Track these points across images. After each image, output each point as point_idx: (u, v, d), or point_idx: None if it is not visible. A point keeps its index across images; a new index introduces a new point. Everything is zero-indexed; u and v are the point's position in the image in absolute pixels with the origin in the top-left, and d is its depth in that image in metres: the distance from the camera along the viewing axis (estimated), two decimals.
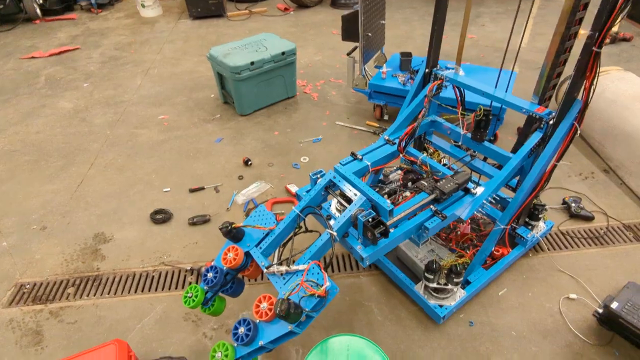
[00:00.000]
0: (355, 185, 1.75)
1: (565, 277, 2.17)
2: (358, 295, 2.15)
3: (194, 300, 1.71)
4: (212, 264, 1.83)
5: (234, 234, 1.79)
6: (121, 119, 3.80)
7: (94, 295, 2.23)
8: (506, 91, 2.07)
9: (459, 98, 2.25)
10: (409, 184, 2.61)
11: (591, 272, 2.19)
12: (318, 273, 1.53)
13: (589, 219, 2.48)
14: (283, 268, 1.61)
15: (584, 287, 2.11)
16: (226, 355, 1.52)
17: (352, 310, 2.07)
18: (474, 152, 2.22)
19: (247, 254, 1.79)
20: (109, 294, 2.24)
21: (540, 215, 2.21)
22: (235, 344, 1.53)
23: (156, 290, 2.24)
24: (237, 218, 2.65)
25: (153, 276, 2.32)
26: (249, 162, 3.09)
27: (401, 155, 2.13)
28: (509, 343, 1.89)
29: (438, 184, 1.75)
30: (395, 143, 2.15)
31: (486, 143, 2.13)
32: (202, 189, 2.91)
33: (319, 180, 1.84)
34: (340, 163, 2.05)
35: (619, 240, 2.36)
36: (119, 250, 2.49)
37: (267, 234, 1.79)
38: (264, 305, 1.53)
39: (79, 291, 2.26)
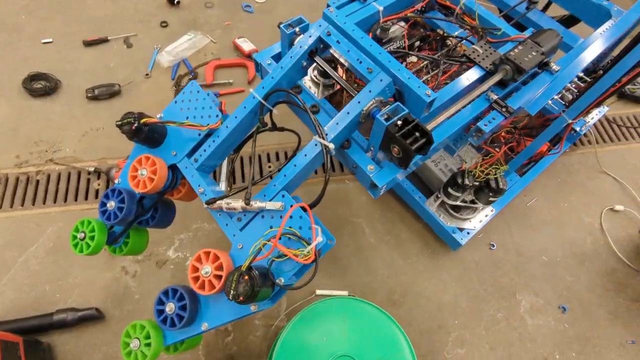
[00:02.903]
0: (368, 50, 0.95)
1: (609, 181, 1.68)
2: (344, 208, 1.55)
3: (88, 245, 1.02)
4: (116, 182, 1.09)
5: (145, 134, 1.01)
6: None
7: None
8: None
9: None
10: (417, 44, 1.81)
11: None
12: (300, 217, 0.86)
13: None
14: (237, 204, 0.91)
15: (632, 194, 1.64)
16: (147, 344, 0.92)
17: (336, 230, 1.50)
18: None
19: (174, 168, 1.05)
20: None
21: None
22: (163, 327, 0.92)
23: (44, 203, 1.49)
24: (162, 91, 1.78)
25: (38, 181, 1.54)
26: (176, 0, 2.04)
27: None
28: (538, 271, 1.46)
29: (512, 53, 0.99)
30: None
31: None
32: (106, 40, 1.90)
33: (298, 39, 1.01)
34: (331, 5, 1.19)
35: None
36: None
37: (206, 136, 1.02)
38: (207, 269, 0.87)
39: None
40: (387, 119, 0.85)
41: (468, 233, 1.40)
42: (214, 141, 1.00)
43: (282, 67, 0.98)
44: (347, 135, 0.95)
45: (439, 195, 1.40)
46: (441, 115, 0.95)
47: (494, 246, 1.49)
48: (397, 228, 1.52)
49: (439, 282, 1.42)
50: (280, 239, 0.83)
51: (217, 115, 1.02)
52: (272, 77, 0.98)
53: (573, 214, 1.59)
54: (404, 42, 1.69)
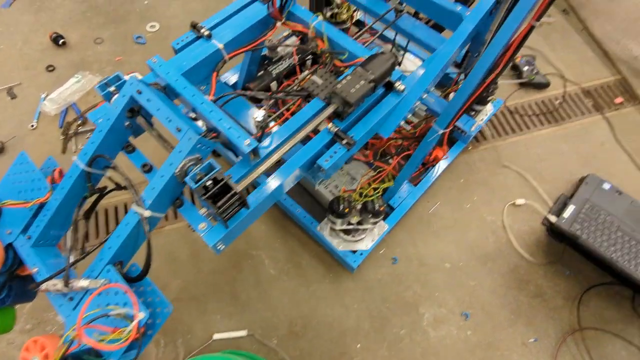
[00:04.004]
0: (190, 101, 0.92)
1: (511, 175, 1.67)
2: (242, 241, 1.51)
3: None
4: None
5: None
6: None
7: None
8: None
9: None
10: (309, 62, 1.80)
11: (542, 162, 1.70)
12: (125, 292, 0.82)
13: (543, 86, 1.89)
14: (60, 285, 0.87)
15: (533, 186, 1.64)
16: None
17: (235, 266, 1.46)
18: (401, 3, 1.38)
19: (12, 248, 1.00)
20: None
21: (489, 98, 1.56)
22: None
23: None
24: (50, 143, 1.71)
25: None
26: (62, 41, 1.95)
27: (279, 23, 1.23)
28: (441, 280, 1.45)
29: (339, 85, 0.96)
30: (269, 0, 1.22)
31: None
32: None
33: (114, 98, 0.96)
34: (173, 47, 1.16)
35: (576, 112, 1.84)
36: None
37: (38, 209, 0.97)
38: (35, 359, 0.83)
39: None
40: (199, 179, 0.81)
41: (361, 254, 1.38)
42: (45, 215, 0.95)
43: (101, 131, 0.93)
44: (172, 197, 0.90)
45: (328, 222, 1.37)
46: (264, 163, 0.92)
47: (396, 260, 1.48)
48: (297, 255, 1.49)
49: (342, 307, 1.40)
50: (109, 317, 0.80)
51: (45, 187, 0.97)
52: (92, 142, 0.93)
53: (475, 215, 1.58)
54: (294, 59, 1.66)
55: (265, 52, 1.63)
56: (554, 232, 1.52)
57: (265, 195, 0.91)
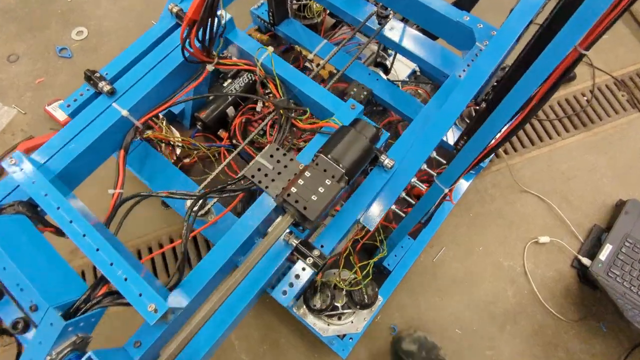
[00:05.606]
0: (68, 235, 0.59)
1: (531, 201, 1.36)
2: None
3: None
4: None
5: None
6: None
7: None
8: None
9: None
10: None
11: (569, 182, 1.39)
12: None
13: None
14: None
15: (558, 215, 1.34)
16: None
17: None
18: (386, 8, 1.01)
19: None
20: None
21: None
22: None
23: None
24: None
25: None
26: None
27: (210, 66, 0.86)
28: (451, 352, 1.19)
29: (293, 189, 0.62)
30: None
31: None
32: None
33: None
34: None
35: (608, 111, 1.49)
36: None
37: None
38: None
39: None
40: None
41: (351, 339, 1.11)
42: None
43: None
44: None
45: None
46: (195, 317, 0.61)
47: (395, 330, 1.21)
48: (275, 331, 1.22)
49: None
50: None
51: None
52: None
53: (489, 260, 1.29)
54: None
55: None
56: (587, 278, 1.25)
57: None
